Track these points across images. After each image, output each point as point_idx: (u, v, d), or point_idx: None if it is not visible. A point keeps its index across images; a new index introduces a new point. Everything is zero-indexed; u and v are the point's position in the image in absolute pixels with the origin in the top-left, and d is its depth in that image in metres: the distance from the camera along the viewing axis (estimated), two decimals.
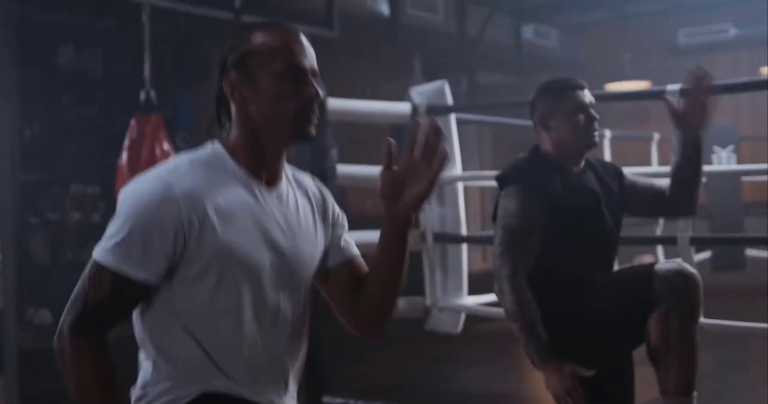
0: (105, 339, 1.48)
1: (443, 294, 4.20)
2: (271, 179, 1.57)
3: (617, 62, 8.08)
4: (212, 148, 1.56)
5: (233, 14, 5.26)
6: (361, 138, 6.13)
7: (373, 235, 4.21)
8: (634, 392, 2.61)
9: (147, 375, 1.52)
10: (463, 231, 4.26)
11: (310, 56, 1.56)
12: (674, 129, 2.70)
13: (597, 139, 2.60)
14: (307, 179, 1.70)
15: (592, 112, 2.57)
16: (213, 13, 5.20)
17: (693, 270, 2.37)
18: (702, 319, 3.43)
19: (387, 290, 1.61)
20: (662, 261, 2.49)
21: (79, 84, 5.84)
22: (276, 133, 1.53)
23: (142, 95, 4.43)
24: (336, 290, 1.66)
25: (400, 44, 6.81)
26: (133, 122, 4.39)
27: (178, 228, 1.43)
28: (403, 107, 4.26)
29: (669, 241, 3.69)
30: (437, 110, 4.20)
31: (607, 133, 5.58)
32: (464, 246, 4.24)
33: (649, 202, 2.68)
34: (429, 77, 6.85)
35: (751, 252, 6.34)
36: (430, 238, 4.17)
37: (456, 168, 4.22)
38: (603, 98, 4.94)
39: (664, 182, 2.69)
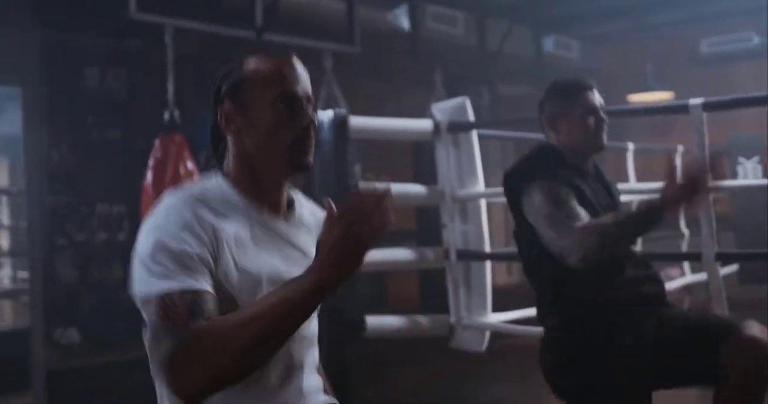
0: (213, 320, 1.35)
1: (467, 311, 4.18)
2: (274, 208, 1.54)
3: (639, 73, 8.04)
4: (215, 180, 1.53)
5: (255, 33, 5.31)
6: (383, 154, 6.13)
7: (392, 253, 4.21)
8: None
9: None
10: (487, 248, 4.24)
11: (304, 82, 1.53)
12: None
13: (605, 141, 2.56)
14: (313, 207, 1.68)
15: (602, 114, 2.54)
16: (235, 33, 5.25)
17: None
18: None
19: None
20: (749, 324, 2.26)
21: (104, 105, 5.90)
22: (272, 164, 1.51)
23: (166, 115, 4.47)
24: None
25: (421, 58, 6.82)
26: (157, 142, 4.43)
27: (207, 246, 1.40)
28: (425, 124, 4.26)
29: (694, 257, 3.65)
30: (459, 127, 4.20)
31: (630, 146, 5.54)
32: (488, 264, 4.23)
33: None
34: (450, 90, 6.86)
35: None
36: (453, 256, 4.17)
37: (479, 184, 4.21)
38: (626, 113, 4.94)
39: None
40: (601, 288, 2.40)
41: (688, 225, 5.95)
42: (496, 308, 4.27)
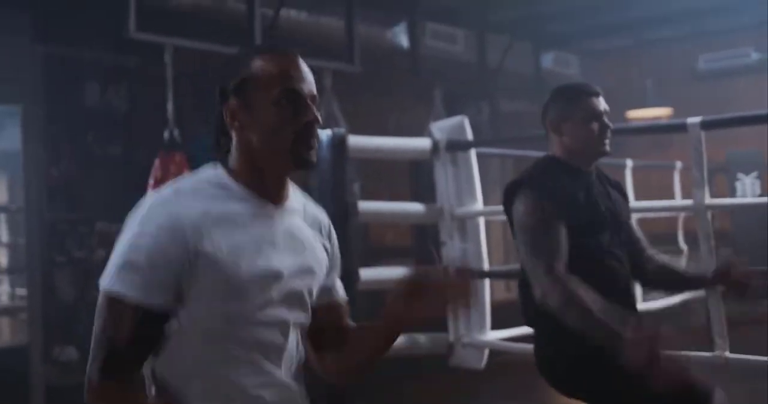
0: (140, 382, 1.45)
1: (466, 329, 4.18)
2: (275, 202, 1.55)
3: (638, 89, 8.06)
4: (215, 171, 1.54)
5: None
6: (381, 172, 6.15)
7: (392, 272, 4.22)
8: None
9: None
10: (486, 266, 4.25)
11: (309, 81, 1.54)
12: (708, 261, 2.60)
13: (609, 147, 2.55)
14: (315, 207, 1.69)
15: (606, 120, 2.53)
16: (234, 51, 5.26)
17: None
18: (727, 353, 3.42)
19: (359, 365, 1.66)
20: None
21: (104, 121, 5.90)
22: (276, 160, 1.52)
23: (166, 134, 4.48)
24: (313, 326, 1.63)
25: (421, 75, 6.85)
26: (157, 161, 4.44)
27: (183, 254, 1.41)
28: (423, 143, 4.27)
29: None
30: (457, 145, 4.21)
31: (629, 162, 5.55)
32: (487, 282, 4.23)
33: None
34: (450, 107, 6.88)
35: None
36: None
37: (477, 203, 4.22)
38: (625, 132, 4.94)
39: (646, 246, 2.64)
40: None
41: (686, 241, 5.95)
42: (495, 323, 4.26)
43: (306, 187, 1.66)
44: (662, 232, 6.27)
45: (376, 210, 4.29)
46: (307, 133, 1.51)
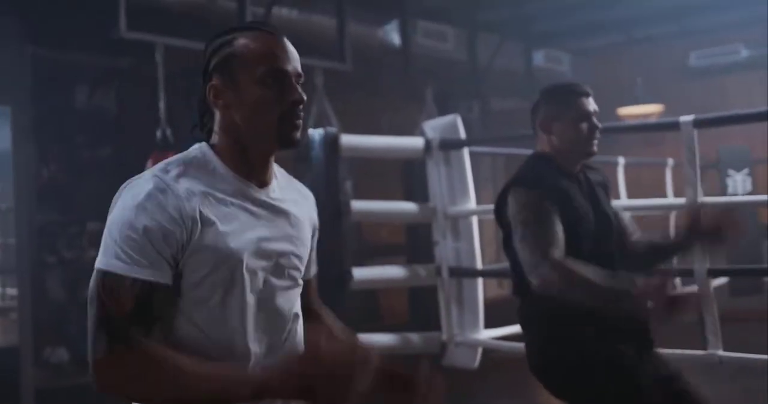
0: (153, 345, 1.36)
1: (459, 328, 4.18)
2: (260, 182, 1.54)
3: (629, 86, 8.07)
4: (201, 150, 1.52)
5: None
6: (373, 170, 6.14)
7: (384, 270, 4.21)
8: None
9: None
10: (479, 265, 4.24)
11: (294, 59, 1.52)
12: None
13: (596, 148, 2.56)
14: (299, 185, 1.69)
15: (596, 120, 2.55)
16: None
17: None
18: (720, 352, 3.43)
19: None
20: None
21: (94, 123, 5.88)
22: (261, 139, 1.50)
23: (159, 134, 4.45)
24: None
25: (412, 74, 6.84)
26: (150, 161, 4.42)
27: (177, 228, 1.40)
28: (416, 142, 4.26)
29: (686, 273, 3.65)
30: (450, 144, 4.20)
31: (621, 159, 5.55)
32: (480, 280, 4.23)
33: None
34: (441, 105, 6.87)
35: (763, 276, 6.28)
36: (445, 273, 4.16)
37: (470, 202, 4.21)
38: (618, 130, 4.95)
39: (632, 233, 2.65)
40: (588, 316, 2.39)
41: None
42: (487, 320, 4.25)
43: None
44: (654, 230, 6.27)
45: (369, 210, 4.28)
46: (292, 112, 1.50)
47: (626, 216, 2.72)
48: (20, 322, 5.20)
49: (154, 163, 4.62)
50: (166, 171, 1.46)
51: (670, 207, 5.32)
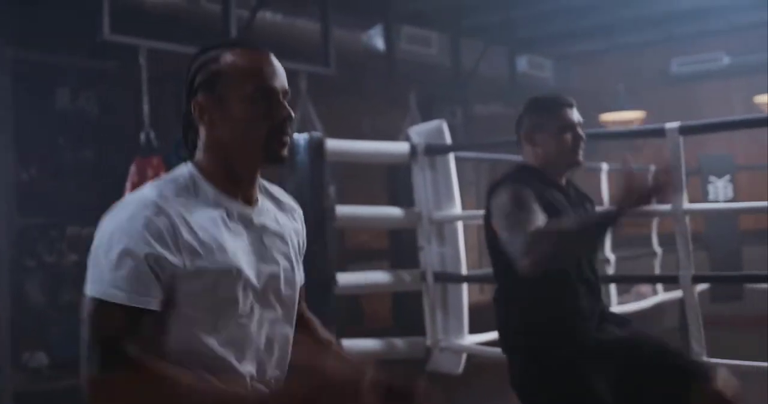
0: (148, 364, 1.35)
1: (444, 334, 4.17)
2: (247, 199, 1.54)
3: (611, 92, 8.11)
4: (188, 170, 1.52)
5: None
6: (357, 175, 6.12)
7: (368, 276, 4.19)
8: None
9: None
10: (464, 271, 4.24)
11: (281, 76, 1.52)
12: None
13: (582, 158, 2.58)
14: (282, 193, 1.68)
15: (580, 131, 2.57)
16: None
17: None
18: (705, 359, 3.44)
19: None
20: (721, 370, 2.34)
21: (76, 126, 5.83)
22: (248, 156, 1.50)
23: (143, 137, 4.42)
24: None
25: (396, 79, 6.84)
26: (134, 165, 4.38)
27: (170, 252, 1.39)
28: (401, 147, 4.26)
29: (671, 280, 3.67)
30: (435, 150, 4.20)
31: (604, 166, 5.58)
32: (465, 286, 4.22)
33: None
34: (424, 110, 6.87)
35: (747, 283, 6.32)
36: (430, 278, 4.15)
37: (455, 207, 4.21)
38: (604, 136, 4.98)
39: None
40: (565, 316, 2.43)
41: (660, 244, 5.99)
42: (470, 326, 4.24)
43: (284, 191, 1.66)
44: (636, 235, 6.30)
45: (354, 215, 4.27)
46: (280, 129, 1.50)
47: None
48: None
49: (138, 167, 4.59)
50: (154, 193, 1.46)
51: (656, 214, 5.31)
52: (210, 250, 1.43)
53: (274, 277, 1.53)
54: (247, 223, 1.52)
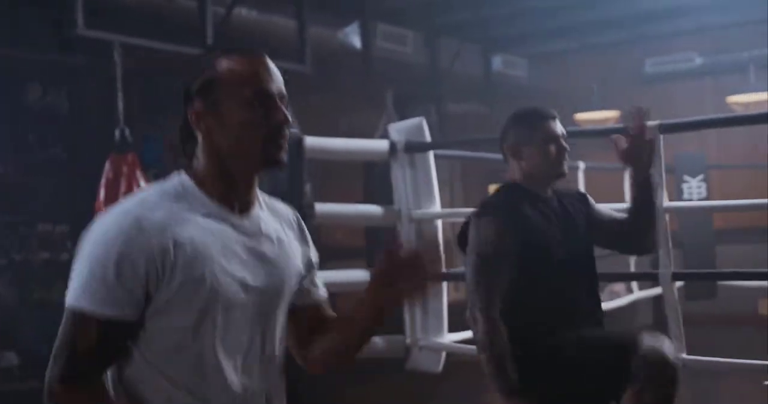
0: (103, 384, 1.43)
1: (423, 332, 4.14)
2: (243, 207, 1.51)
3: (586, 91, 8.13)
4: (179, 179, 1.49)
5: (205, 50, 5.22)
6: (333, 173, 6.09)
7: (345, 274, 4.16)
8: None
9: None
10: (443, 269, 4.21)
11: (278, 81, 1.51)
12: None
13: (567, 169, 2.62)
14: (282, 206, 1.65)
15: (563, 143, 2.60)
16: (185, 50, 5.16)
17: (675, 360, 2.38)
18: (684, 355, 3.45)
19: (348, 350, 1.63)
20: (648, 337, 2.44)
21: (46, 122, 5.75)
22: (246, 161, 1.48)
23: (117, 134, 4.36)
24: (295, 325, 1.63)
25: (372, 76, 6.81)
26: (108, 161, 4.32)
27: (150, 263, 1.38)
28: (381, 144, 4.23)
29: (650, 277, 3.68)
30: (415, 147, 4.17)
31: (581, 164, 5.59)
32: (444, 284, 4.20)
33: (610, 233, 2.69)
34: (399, 108, 6.86)
35: (722, 281, 6.38)
36: None
37: (435, 205, 4.19)
38: (584, 135, 4.99)
39: (617, 217, 2.71)
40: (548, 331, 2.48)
41: None
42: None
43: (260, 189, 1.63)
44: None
45: (333, 213, 4.22)
46: (278, 134, 1.48)
47: (608, 211, 2.76)
48: None
49: (113, 164, 4.52)
50: (141, 202, 1.44)
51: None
52: (193, 260, 1.41)
53: (264, 287, 1.50)
54: (239, 231, 1.49)
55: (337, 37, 6.66)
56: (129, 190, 4.20)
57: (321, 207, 4.08)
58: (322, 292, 1.67)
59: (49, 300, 5.57)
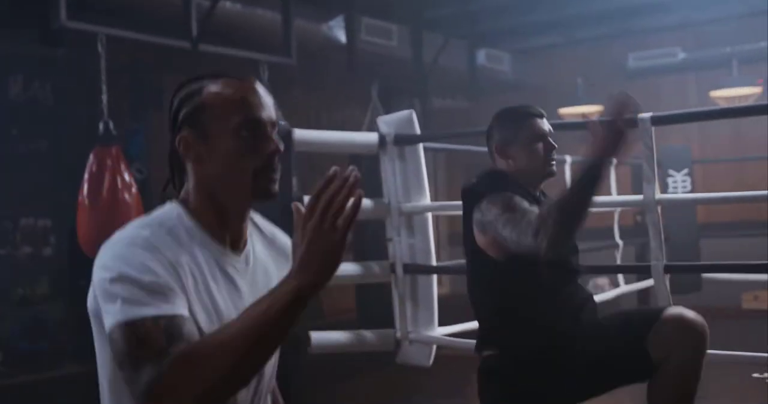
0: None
1: (414, 326, 4.13)
2: (235, 240, 1.47)
3: (570, 86, 8.15)
4: (174, 210, 1.45)
5: (190, 43, 5.18)
6: (319, 165, 6.05)
7: (340, 267, 4.10)
8: None
9: None
10: (433, 262, 4.20)
11: (269, 107, 1.45)
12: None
13: (555, 167, 2.58)
14: (282, 237, 1.61)
15: (551, 140, 2.57)
16: (169, 42, 5.12)
17: (701, 320, 2.35)
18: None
19: None
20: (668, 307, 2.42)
21: (29, 116, 5.68)
22: (236, 193, 1.43)
23: (101, 126, 4.30)
24: None
25: (357, 70, 6.79)
26: (92, 154, 4.26)
27: (168, 269, 1.34)
28: (370, 137, 4.20)
29: (642, 270, 3.68)
30: (405, 140, 4.15)
31: (568, 158, 5.59)
32: (434, 277, 4.19)
33: None
34: (383, 102, 6.83)
35: (707, 274, 6.41)
36: (400, 269, 4.11)
37: (425, 197, 4.17)
38: (564, 127, 4.97)
39: None
40: (544, 315, 2.44)
41: (621, 236, 6.03)
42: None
43: None
44: (597, 227, 6.33)
45: None
46: (269, 165, 1.42)
47: None
48: None
49: (97, 157, 4.45)
50: (142, 227, 1.40)
51: (629, 204, 5.33)
52: (189, 298, 1.36)
53: None
54: (231, 269, 1.46)
55: (322, 31, 6.62)
56: (113, 183, 4.15)
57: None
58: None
59: (33, 296, 5.51)
